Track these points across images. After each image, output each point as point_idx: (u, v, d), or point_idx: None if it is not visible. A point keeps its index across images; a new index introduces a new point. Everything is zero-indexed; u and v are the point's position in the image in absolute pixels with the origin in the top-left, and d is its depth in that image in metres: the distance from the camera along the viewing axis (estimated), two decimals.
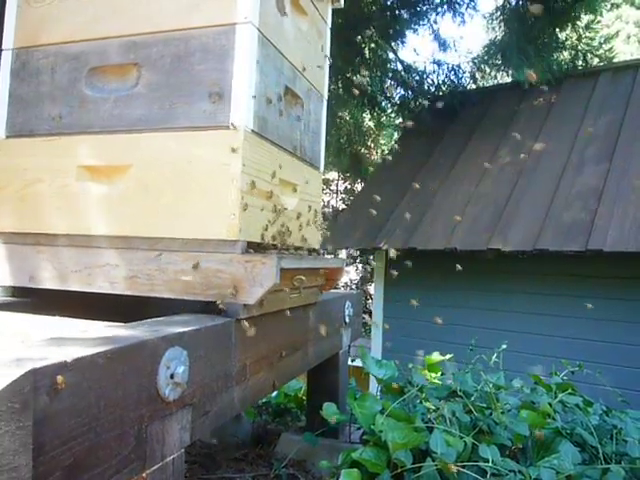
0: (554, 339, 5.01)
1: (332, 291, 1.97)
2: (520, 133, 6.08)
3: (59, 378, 0.66)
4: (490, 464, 1.29)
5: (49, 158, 1.35)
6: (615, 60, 6.87)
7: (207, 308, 1.20)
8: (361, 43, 6.84)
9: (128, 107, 1.29)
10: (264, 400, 2.39)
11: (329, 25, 1.77)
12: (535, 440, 1.49)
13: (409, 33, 7.08)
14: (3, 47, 1.43)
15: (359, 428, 1.99)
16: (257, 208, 1.26)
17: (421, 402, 1.71)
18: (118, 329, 0.95)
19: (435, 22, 6.77)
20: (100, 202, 1.30)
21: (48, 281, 1.33)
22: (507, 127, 6.29)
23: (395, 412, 1.53)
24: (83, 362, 0.73)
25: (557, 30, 5.99)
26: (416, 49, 16.01)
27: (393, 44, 7.34)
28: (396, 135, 10.65)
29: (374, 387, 4.71)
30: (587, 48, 6.40)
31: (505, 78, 7.26)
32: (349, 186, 14.15)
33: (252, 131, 1.23)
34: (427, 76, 7.33)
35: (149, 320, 1.05)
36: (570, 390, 1.76)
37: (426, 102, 6.96)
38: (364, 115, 9.56)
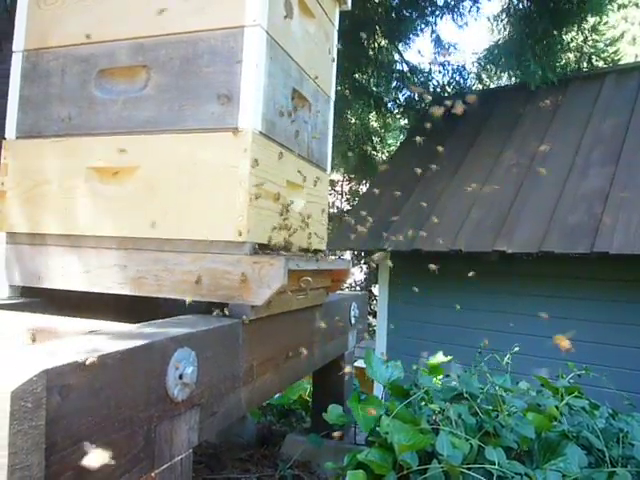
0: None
1: (338, 292, 1.97)
2: (525, 135, 6.07)
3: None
4: (496, 467, 1.29)
5: (58, 159, 1.36)
6: (621, 62, 6.85)
7: (215, 309, 1.21)
8: (367, 44, 6.85)
9: (137, 109, 1.30)
10: (269, 401, 2.40)
11: (336, 27, 1.77)
12: (541, 443, 1.49)
13: (414, 35, 7.09)
14: (14, 49, 1.44)
15: None
16: (265, 209, 1.27)
17: (427, 404, 1.71)
18: (127, 330, 0.96)
19: (435, 24, 6.78)
20: (108, 203, 1.30)
21: (57, 281, 1.34)
22: (512, 129, 6.27)
23: (401, 414, 1.53)
24: (94, 363, 0.73)
25: (562, 32, 5.98)
26: (420, 50, 16.00)
27: (399, 45, 7.35)
28: (402, 136, 10.64)
29: (379, 388, 4.70)
30: (592, 50, 6.38)
31: (510, 79, 7.25)
32: (354, 187, 14.15)
33: (260, 133, 1.23)
34: (432, 77, 7.33)
35: (158, 321, 1.06)
36: (576, 393, 1.75)
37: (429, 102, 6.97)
38: (370, 116, 9.56)
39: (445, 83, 7.29)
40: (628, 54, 13.28)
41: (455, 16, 6.56)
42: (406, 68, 7.52)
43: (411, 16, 6.58)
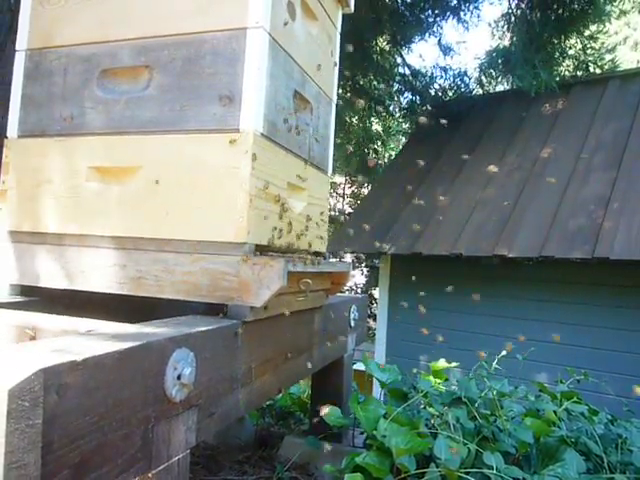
0: (559, 346, 4.98)
1: (338, 295, 1.97)
2: (527, 139, 6.07)
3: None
4: (494, 471, 1.29)
5: (60, 158, 1.37)
6: (621, 68, 6.85)
7: (213, 310, 1.21)
8: (370, 48, 6.86)
9: (139, 109, 1.30)
10: (268, 403, 2.39)
11: (339, 30, 1.78)
12: (540, 448, 1.49)
13: (416, 39, 7.11)
14: (17, 48, 1.44)
15: (362, 432, 1.99)
16: (265, 211, 1.27)
17: (425, 408, 1.70)
18: (126, 329, 0.96)
19: (441, 27, 6.79)
20: (109, 203, 1.30)
21: (56, 280, 1.34)
22: (514, 133, 6.28)
23: (399, 417, 1.52)
24: (92, 362, 0.73)
25: (562, 39, 5.98)
26: (422, 55, 16.04)
27: (401, 49, 7.36)
28: (403, 140, 10.66)
29: (377, 391, 4.70)
30: (590, 58, 6.40)
31: (512, 84, 7.26)
32: (356, 190, 14.16)
33: (262, 135, 1.23)
34: (434, 81, 7.34)
35: (156, 321, 1.06)
36: (575, 398, 1.75)
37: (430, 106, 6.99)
38: (372, 120, 9.57)
39: (446, 87, 7.31)
40: (630, 60, 13.29)
41: (459, 20, 6.58)
42: (408, 72, 7.53)
43: (417, 19, 6.59)
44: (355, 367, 2.21)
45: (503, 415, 1.57)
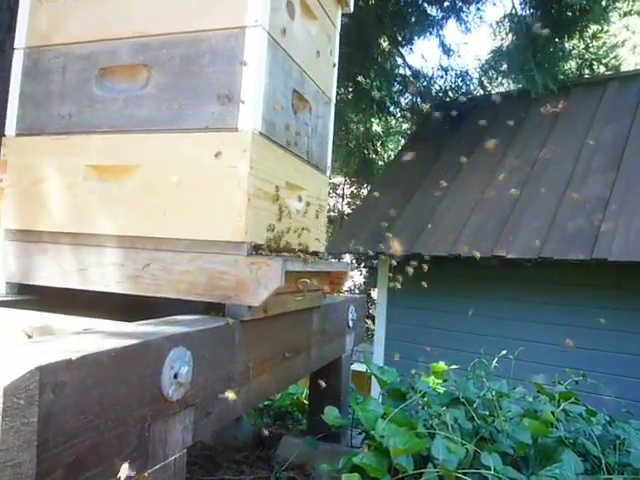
0: (558, 348, 4.98)
1: (336, 295, 1.97)
2: (527, 141, 6.07)
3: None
4: (492, 472, 1.29)
5: (58, 157, 1.36)
6: (621, 69, 6.86)
7: (211, 309, 1.21)
8: (371, 48, 6.86)
9: (137, 107, 1.30)
10: (265, 403, 2.39)
11: (338, 29, 1.77)
12: (537, 449, 1.48)
13: (417, 40, 7.11)
14: (15, 46, 1.44)
15: (360, 433, 1.99)
16: (263, 210, 1.26)
17: (423, 408, 1.70)
18: (123, 328, 0.96)
19: (442, 27, 6.80)
20: (107, 201, 1.30)
21: (54, 279, 1.33)
22: (514, 134, 6.28)
23: (397, 417, 1.52)
24: (88, 360, 0.73)
25: (564, 40, 5.99)
26: (424, 55, 16.05)
27: (402, 49, 7.36)
28: (403, 141, 10.66)
29: (375, 393, 4.69)
30: (594, 57, 6.40)
31: (512, 85, 7.27)
32: (355, 190, 14.17)
33: (260, 134, 1.23)
34: (434, 82, 7.35)
35: (153, 320, 1.06)
36: (573, 399, 1.75)
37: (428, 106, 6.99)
38: (372, 120, 9.58)
39: (447, 88, 7.31)
40: (629, 62, 13.29)
41: (460, 21, 6.58)
42: (409, 72, 7.54)
43: (418, 19, 6.59)
44: (353, 367, 2.20)
45: (501, 416, 1.57)
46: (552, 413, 1.63)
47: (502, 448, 1.47)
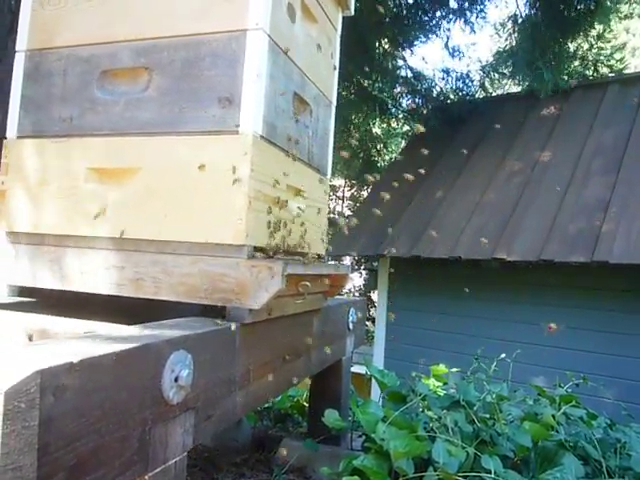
0: (558, 350, 4.99)
1: (337, 297, 1.97)
2: (527, 143, 6.08)
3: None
4: (492, 475, 1.29)
5: (58, 159, 1.36)
6: (624, 71, 6.87)
7: (212, 312, 1.21)
8: (372, 49, 6.86)
9: (138, 110, 1.30)
10: (266, 405, 2.39)
11: (339, 32, 1.78)
12: (538, 452, 1.48)
13: (418, 42, 7.12)
14: (16, 49, 1.44)
15: (360, 435, 1.98)
16: (264, 213, 1.26)
17: (424, 411, 1.70)
18: (124, 331, 0.96)
19: (448, 29, 6.80)
20: (108, 204, 1.30)
21: (54, 282, 1.33)
22: (514, 137, 6.28)
23: (397, 420, 1.52)
24: (89, 363, 0.73)
25: (569, 40, 5.99)
26: (425, 57, 16.06)
27: (403, 52, 7.37)
28: (403, 142, 10.67)
29: (375, 395, 4.69)
30: (598, 58, 6.40)
31: (513, 87, 7.27)
32: (355, 193, 14.16)
33: (261, 136, 1.23)
34: (436, 83, 7.35)
35: (154, 323, 1.06)
36: (574, 402, 1.75)
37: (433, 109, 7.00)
38: (373, 121, 9.58)
39: (449, 90, 7.31)
40: (629, 65, 13.30)
41: (465, 22, 6.59)
42: (410, 74, 7.54)
43: (421, 21, 6.59)
44: (353, 370, 2.20)
45: (502, 419, 1.57)
46: (553, 416, 1.63)
47: (503, 451, 1.47)
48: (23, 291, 1.41)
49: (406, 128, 9.56)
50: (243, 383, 1.19)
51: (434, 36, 6.88)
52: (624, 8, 6.37)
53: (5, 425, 0.62)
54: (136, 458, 0.83)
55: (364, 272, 12.81)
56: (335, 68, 1.75)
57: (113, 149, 1.32)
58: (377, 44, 6.83)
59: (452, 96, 7.28)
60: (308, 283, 1.36)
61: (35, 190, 1.38)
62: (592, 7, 5.39)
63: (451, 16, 6.57)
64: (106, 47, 1.35)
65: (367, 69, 6.70)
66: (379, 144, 10.09)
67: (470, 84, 7.17)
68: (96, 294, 1.30)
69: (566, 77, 5.84)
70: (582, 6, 5.41)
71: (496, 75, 6.54)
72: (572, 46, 6.15)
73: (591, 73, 6.48)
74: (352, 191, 14.36)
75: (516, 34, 6.21)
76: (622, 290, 4.78)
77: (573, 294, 5.01)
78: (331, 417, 1.72)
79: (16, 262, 1.39)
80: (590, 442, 1.57)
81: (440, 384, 2.11)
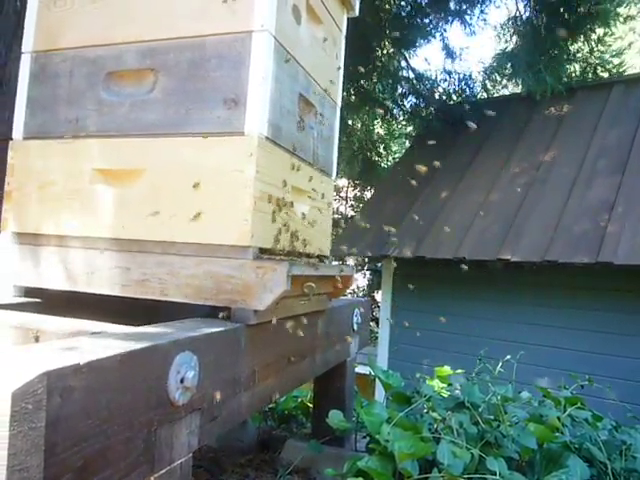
0: (563, 351, 4.97)
1: (341, 298, 1.97)
2: (531, 144, 6.06)
3: None
4: (497, 477, 1.28)
5: (64, 160, 1.37)
6: (626, 73, 6.84)
7: (217, 313, 1.21)
8: (374, 51, 6.87)
9: (144, 112, 1.31)
10: (270, 406, 2.39)
11: (344, 33, 1.78)
12: (543, 454, 1.48)
13: (420, 44, 7.12)
14: (22, 50, 1.45)
15: (365, 436, 1.98)
16: (269, 214, 1.27)
17: (428, 412, 1.70)
18: (130, 332, 0.96)
19: (445, 30, 6.80)
20: (113, 205, 1.31)
21: (60, 282, 1.34)
22: (518, 137, 6.27)
23: (402, 422, 1.52)
24: (95, 365, 0.73)
25: (569, 42, 5.98)
26: (427, 58, 16.06)
27: (405, 52, 7.37)
28: (407, 143, 10.66)
29: (380, 395, 4.68)
30: (598, 61, 6.39)
31: (516, 89, 7.26)
32: (359, 193, 14.16)
33: (266, 138, 1.23)
34: (438, 85, 7.35)
35: (160, 324, 1.06)
36: (579, 404, 1.74)
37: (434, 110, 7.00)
38: (376, 122, 9.58)
39: (451, 91, 7.31)
40: (635, 65, 13.25)
41: (464, 24, 6.59)
42: (412, 75, 7.54)
43: (421, 22, 6.60)
44: (357, 370, 2.20)
45: (507, 420, 1.56)
46: (558, 418, 1.62)
47: (507, 453, 1.46)
48: (29, 292, 1.42)
49: (410, 129, 9.55)
50: (248, 384, 1.19)
51: (433, 38, 6.89)
52: (627, 10, 6.35)
53: (12, 426, 0.62)
54: (142, 459, 0.84)
55: (368, 272, 12.80)
56: (340, 69, 1.75)
57: (119, 150, 1.32)
58: (378, 46, 6.84)
59: (454, 97, 7.27)
60: (313, 284, 1.36)
61: (41, 191, 1.38)
62: (592, 10, 5.37)
63: (450, 18, 6.57)
64: (112, 48, 1.36)
65: (368, 70, 6.70)
66: (381, 145, 10.08)
67: (472, 85, 7.16)
68: (103, 295, 1.30)
69: (565, 80, 5.82)
70: (583, 9, 5.40)
71: (497, 77, 6.53)
72: (572, 49, 6.14)
73: (590, 76, 6.46)
74: (355, 191, 14.35)
75: (516, 36, 6.20)
76: (627, 291, 4.76)
77: (578, 295, 4.99)
78: (335, 418, 1.72)
79: (22, 263, 1.39)
80: (595, 444, 1.56)
81: (444, 385, 2.11)
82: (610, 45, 6.58)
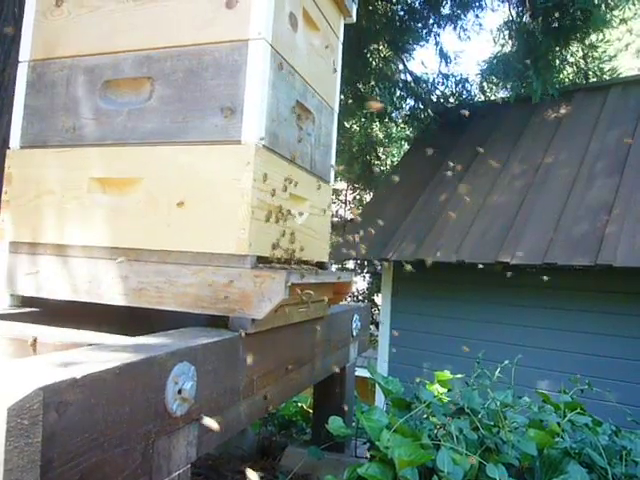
0: (563, 354, 4.97)
1: (340, 304, 1.97)
2: (530, 146, 6.07)
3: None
4: None
5: (62, 169, 1.37)
6: (622, 75, 6.86)
7: (215, 322, 1.20)
8: (371, 54, 6.88)
9: (141, 120, 1.31)
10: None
11: (341, 40, 1.78)
12: (543, 460, 1.47)
13: (416, 47, 7.15)
14: (20, 59, 1.45)
15: (365, 443, 1.98)
16: (267, 222, 1.26)
17: (428, 418, 1.69)
18: (127, 343, 0.95)
19: (439, 35, 6.83)
20: (111, 214, 1.30)
21: (57, 292, 1.33)
22: (517, 140, 6.28)
23: (402, 428, 1.51)
24: (92, 378, 0.73)
25: (563, 47, 5.99)
26: (424, 62, 16.11)
27: (402, 56, 7.38)
28: (406, 146, 10.67)
29: (380, 399, 4.67)
30: (590, 67, 6.41)
31: (511, 91, 7.26)
32: (358, 196, 14.15)
33: (263, 146, 1.23)
34: (435, 88, 7.36)
35: (157, 334, 1.06)
36: (579, 409, 1.74)
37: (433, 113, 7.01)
38: (374, 125, 9.59)
39: (448, 94, 7.32)
40: (632, 67, 13.28)
41: (458, 28, 6.62)
42: (410, 78, 7.55)
43: (415, 26, 6.62)
44: (357, 373, 2.20)
45: (506, 426, 1.56)
46: (558, 424, 1.62)
47: (507, 459, 1.46)
48: (26, 301, 1.42)
49: (408, 132, 9.56)
50: (247, 393, 1.18)
51: (427, 43, 6.91)
52: (621, 13, 6.36)
53: (8, 442, 0.62)
54: (139, 472, 0.83)
55: (368, 276, 12.78)
56: (337, 75, 1.76)
57: (116, 159, 1.32)
58: (375, 49, 6.86)
59: (452, 100, 7.29)
60: (311, 292, 1.35)
61: (38, 200, 1.38)
62: (586, 15, 5.38)
63: (442, 23, 6.59)
64: (109, 57, 1.36)
65: (366, 74, 6.72)
66: (380, 148, 10.10)
67: (470, 88, 7.18)
68: (100, 304, 1.30)
69: (557, 86, 5.83)
70: (577, 14, 5.41)
71: (494, 79, 6.55)
72: (566, 54, 6.15)
73: (582, 81, 6.48)
74: (355, 194, 14.35)
75: (511, 40, 6.22)
76: (626, 293, 4.76)
77: (578, 297, 4.99)
78: (335, 424, 1.71)
79: (19, 272, 1.39)
80: (595, 449, 1.56)
81: (444, 390, 2.10)
82: (604, 50, 6.60)
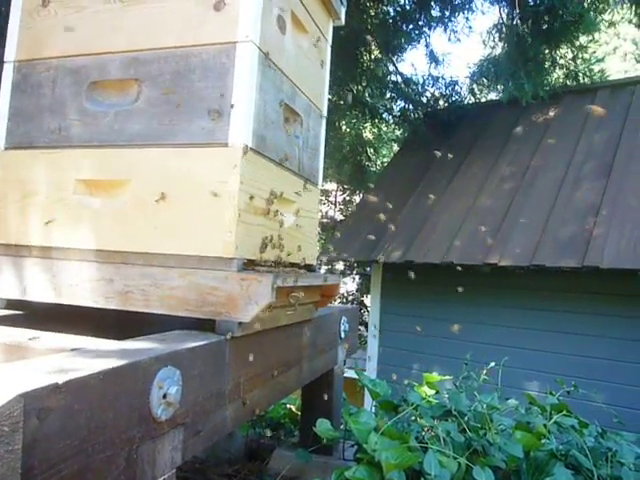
0: (551, 355, 5.00)
1: (328, 306, 1.96)
2: (518, 148, 6.11)
3: None
4: None
5: (47, 171, 1.35)
6: (610, 79, 6.93)
7: (201, 325, 1.20)
8: (362, 55, 6.89)
9: (128, 122, 1.30)
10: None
11: (330, 42, 1.78)
12: (530, 462, 1.48)
13: (406, 49, 7.18)
14: (5, 59, 1.43)
15: (353, 445, 1.97)
16: (254, 225, 1.26)
17: (415, 420, 1.69)
18: (111, 348, 0.95)
19: (429, 36, 6.86)
20: (97, 216, 1.29)
21: (42, 294, 1.32)
22: (505, 142, 6.32)
23: (389, 430, 1.51)
24: (74, 384, 0.72)
25: (553, 49, 6.05)
26: (414, 64, 16.18)
27: (392, 58, 7.41)
28: (396, 147, 10.71)
29: (369, 401, 4.68)
30: (580, 68, 6.48)
31: (502, 93, 7.31)
32: (348, 197, 14.17)
33: (250, 149, 1.23)
34: (425, 89, 7.39)
35: (142, 337, 1.05)
36: (565, 411, 1.75)
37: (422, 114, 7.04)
38: (365, 126, 9.61)
39: (438, 96, 7.35)
40: (620, 70, 13.42)
41: (447, 30, 6.65)
42: (400, 79, 7.57)
43: (406, 28, 6.64)
44: (346, 375, 2.20)
45: (493, 428, 1.56)
46: (544, 425, 1.63)
47: (494, 462, 1.46)
48: (11, 304, 1.40)
49: (398, 133, 9.59)
50: (233, 397, 1.18)
51: (417, 44, 6.95)
52: (610, 17, 6.42)
53: None
54: (123, 478, 0.82)
55: (357, 277, 12.80)
56: (326, 78, 1.76)
57: (102, 161, 1.31)
58: (366, 50, 6.87)
59: (442, 102, 7.32)
60: (298, 294, 1.35)
61: (24, 202, 1.37)
62: (576, 18, 5.44)
63: (432, 24, 6.63)
64: (96, 58, 1.34)
65: (356, 75, 6.74)
66: (370, 149, 10.12)
67: (460, 90, 7.22)
68: (85, 307, 1.28)
69: (547, 88, 5.88)
70: (567, 17, 5.46)
71: (485, 81, 6.59)
72: (555, 56, 6.21)
73: (571, 83, 6.54)
74: (344, 196, 14.36)
75: (501, 43, 6.27)
76: (613, 294, 4.80)
77: (565, 298, 5.03)
78: (323, 427, 1.71)
79: (3, 274, 1.37)
80: (582, 451, 1.57)
81: (432, 392, 2.11)
82: (594, 52, 6.66)
